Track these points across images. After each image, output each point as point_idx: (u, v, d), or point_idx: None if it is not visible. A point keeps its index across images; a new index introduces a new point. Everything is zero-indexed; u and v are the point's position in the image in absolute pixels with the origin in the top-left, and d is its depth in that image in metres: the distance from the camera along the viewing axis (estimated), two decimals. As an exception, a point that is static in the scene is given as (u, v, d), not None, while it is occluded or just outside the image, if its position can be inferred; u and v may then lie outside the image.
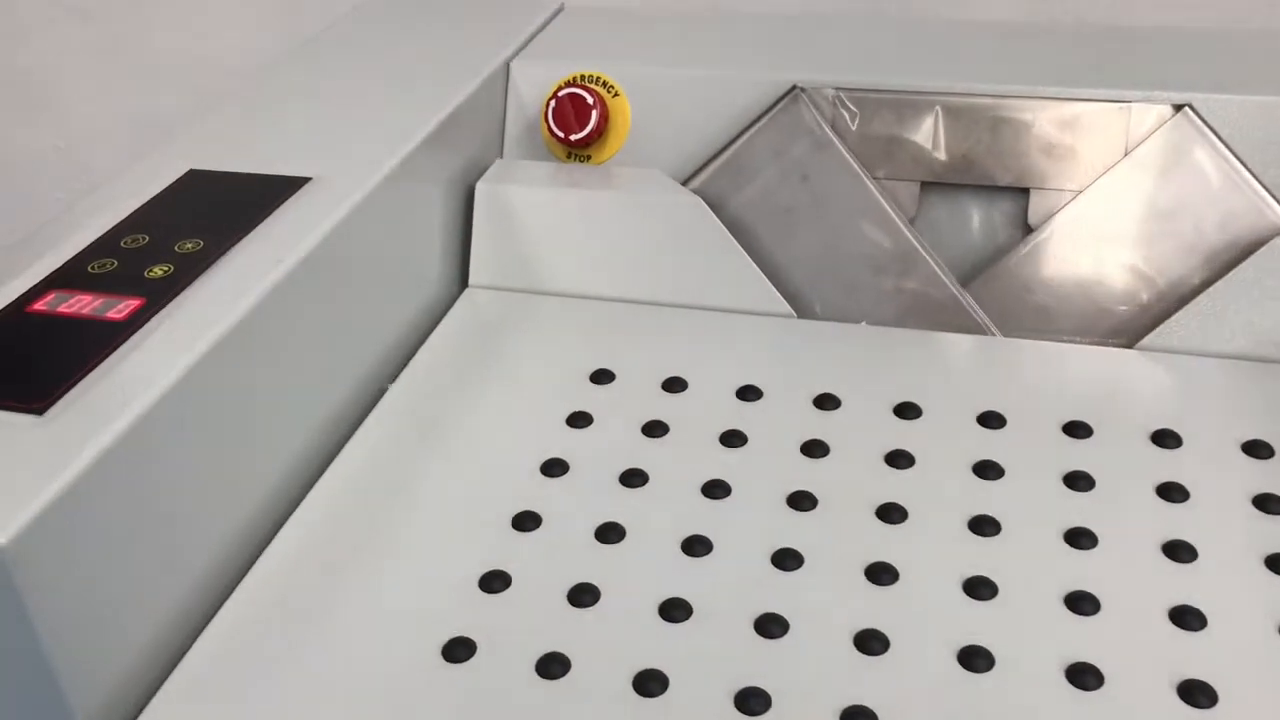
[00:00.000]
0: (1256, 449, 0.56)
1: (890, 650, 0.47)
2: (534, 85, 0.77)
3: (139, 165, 0.67)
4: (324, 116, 0.71)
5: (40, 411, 0.47)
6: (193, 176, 0.65)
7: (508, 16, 0.84)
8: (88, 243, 0.59)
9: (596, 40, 0.81)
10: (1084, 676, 0.46)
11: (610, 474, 0.57)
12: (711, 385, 0.63)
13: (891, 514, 0.54)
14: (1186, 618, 0.48)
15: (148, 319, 0.52)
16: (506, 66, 0.77)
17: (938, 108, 0.69)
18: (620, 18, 0.85)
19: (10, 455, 0.44)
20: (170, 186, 0.64)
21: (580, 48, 0.80)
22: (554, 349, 0.67)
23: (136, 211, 0.61)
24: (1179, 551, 0.51)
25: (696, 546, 0.53)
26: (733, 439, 0.59)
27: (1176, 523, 0.53)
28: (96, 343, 0.51)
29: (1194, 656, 0.46)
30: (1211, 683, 0.45)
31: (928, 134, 0.70)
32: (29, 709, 0.45)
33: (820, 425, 0.59)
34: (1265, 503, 0.53)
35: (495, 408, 0.62)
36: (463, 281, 0.74)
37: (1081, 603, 0.49)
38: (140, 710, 0.47)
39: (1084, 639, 0.47)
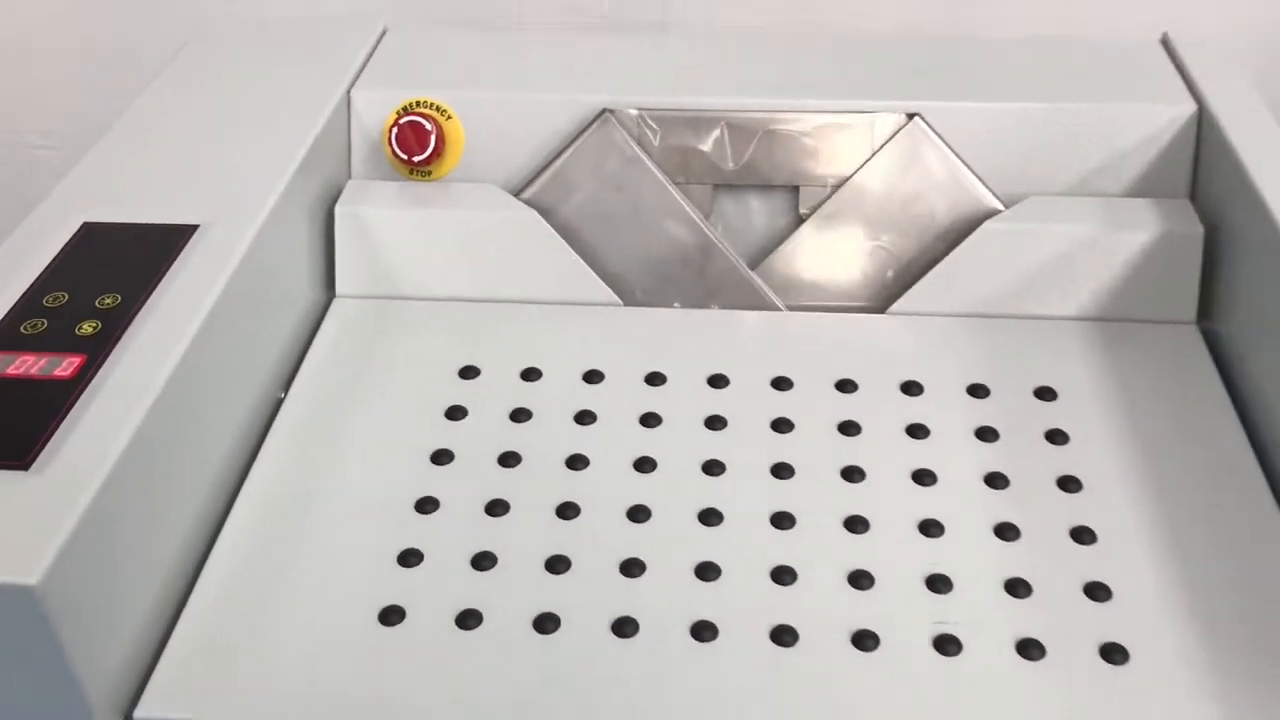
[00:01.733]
0: (977, 390, 0.74)
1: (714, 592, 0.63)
2: (374, 110, 0.87)
3: (32, 219, 0.75)
4: (193, 160, 0.80)
5: (26, 467, 0.57)
6: (89, 229, 0.74)
7: (337, 45, 0.93)
8: (12, 303, 0.67)
9: (424, 64, 0.92)
10: (860, 580, 0.63)
11: (490, 460, 0.71)
12: (561, 372, 0.77)
13: (714, 469, 0.70)
14: (931, 529, 0.66)
15: (94, 374, 0.62)
16: (348, 96, 0.87)
17: (723, 123, 0.84)
18: (439, 38, 0.96)
19: (14, 506, 0.55)
20: (71, 240, 0.72)
21: (411, 72, 0.91)
22: (422, 350, 0.79)
23: (48, 268, 0.70)
24: (924, 478, 0.69)
25: (569, 511, 0.67)
26: (585, 418, 0.73)
27: (920, 456, 0.70)
28: (54, 399, 0.61)
29: (939, 560, 0.64)
30: (950, 575, 0.63)
31: (716, 145, 0.84)
32: (52, 704, 0.56)
33: (653, 400, 0.75)
34: (985, 434, 0.71)
35: (381, 408, 0.75)
36: (330, 289, 0.85)
37: (856, 524, 0.66)
38: (142, 688, 0.59)
39: (860, 552, 0.65)
